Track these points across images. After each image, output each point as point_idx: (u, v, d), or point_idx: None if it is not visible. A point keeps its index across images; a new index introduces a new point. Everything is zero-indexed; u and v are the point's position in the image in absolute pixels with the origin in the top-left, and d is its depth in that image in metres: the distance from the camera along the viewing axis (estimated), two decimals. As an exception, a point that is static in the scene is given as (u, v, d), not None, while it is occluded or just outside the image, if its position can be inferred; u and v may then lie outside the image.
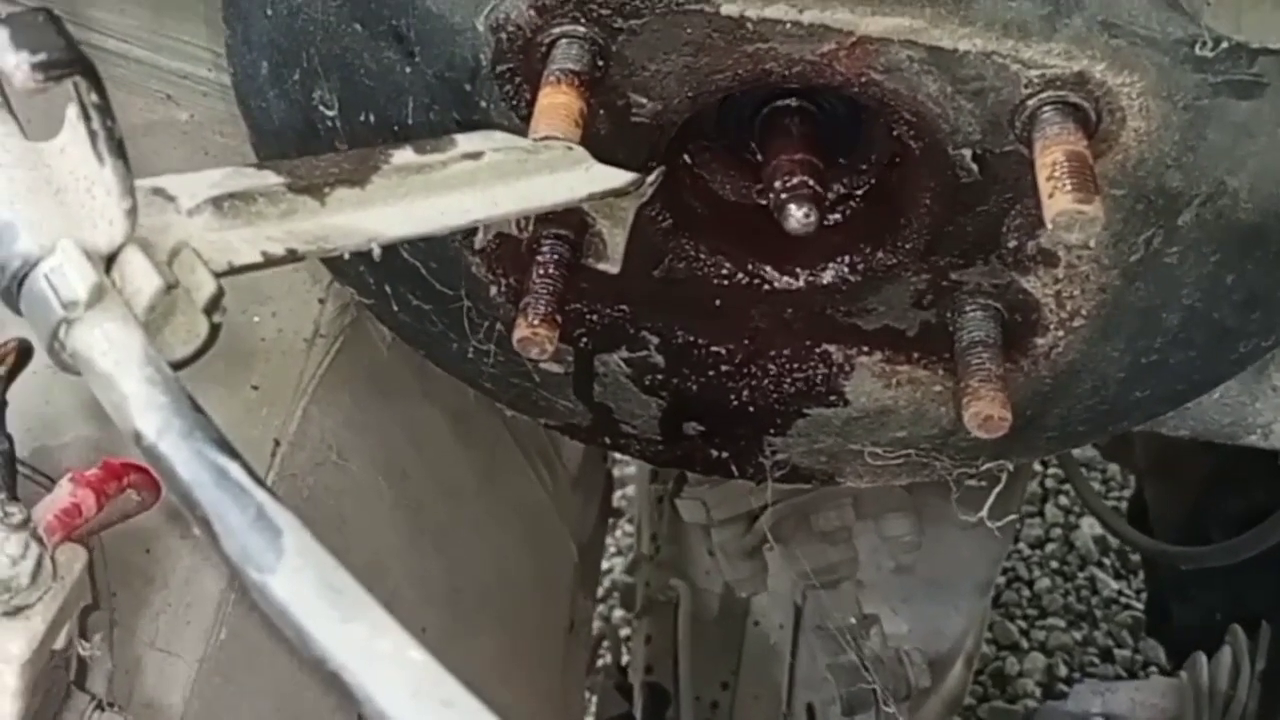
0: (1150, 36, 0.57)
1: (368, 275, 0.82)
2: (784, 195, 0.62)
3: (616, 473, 2.28)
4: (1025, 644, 2.70)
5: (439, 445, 1.08)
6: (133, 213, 0.41)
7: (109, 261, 0.41)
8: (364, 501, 0.96)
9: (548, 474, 1.31)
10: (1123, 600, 2.76)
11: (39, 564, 0.53)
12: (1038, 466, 2.76)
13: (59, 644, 0.57)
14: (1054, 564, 2.86)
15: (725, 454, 0.85)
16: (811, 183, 0.64)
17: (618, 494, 2.24)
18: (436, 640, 1.03)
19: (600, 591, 2.46)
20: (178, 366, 0.42)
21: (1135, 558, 2.83)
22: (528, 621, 1.21)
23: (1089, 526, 2.87)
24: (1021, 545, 2.84)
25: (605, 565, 2.51)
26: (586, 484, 1.42)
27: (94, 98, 0.39)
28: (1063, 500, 2.93)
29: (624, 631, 2.24)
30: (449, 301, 0.79)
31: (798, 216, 0.61)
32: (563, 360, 0.80)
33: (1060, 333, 0.71)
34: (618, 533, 2.63)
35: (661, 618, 1.72)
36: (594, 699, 1.76)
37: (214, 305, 0.42)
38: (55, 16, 0.39)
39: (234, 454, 0.36)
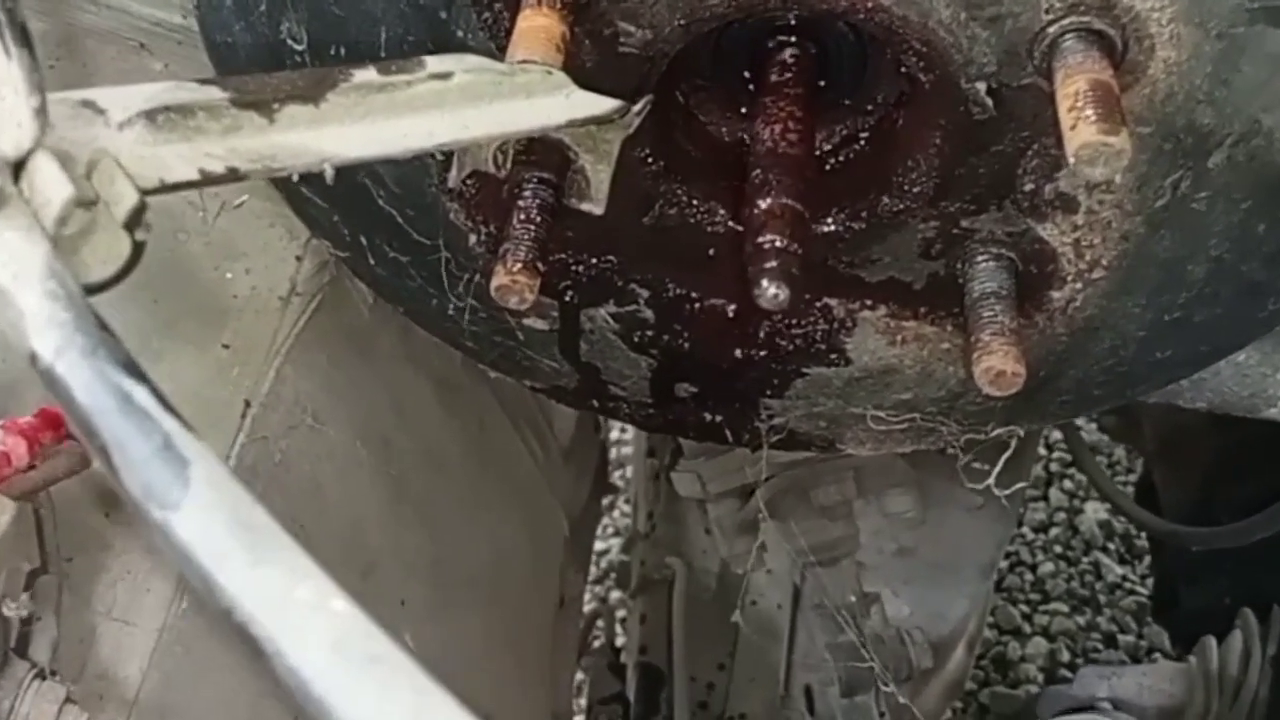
0: (1185, -47, 0.52)
1: (342, 226, 0.77)
2: (756, 264, 0.56)
3: (614, 452, 2.24)
4: (1028, 629, 2.68)
5: (423, 412, 1.04)
6: (42, 112, 0.36)
7: (16, 168, 0.36)
8: (341, 468, 0.92)
9: (538, 445, 1.27)
10: (1127, 585, 2.74)
11: (-40, 517, 0.49)
12: (1042, 450, 2.73)
13: (-12, 607, 0.53)
14: (1058, 548, 2.83)
15: (719, 418, 0.80)
16: (789, 245, 0.57)
17: (615, 474, 2.21)
18: (417, 614, 0.99)
19: (596, 572, 2.43)
20: (100, 288, 0.38)
21: (1140, 543, 2.81)
22: (516, 597, 1.17)
23: (1093, 511, 2.85)
24: (1025, 529, 2.81)
25: (602, 546, 2.47)
26: (579, 456, 1.38)
27: (-11, -27, 0.34)
28: (1067, 484, 2.89)
29: (620, 612, 2.21)
30: (427, 252, 0.75)
31: (767, 296, 0.55)
32: (547, 316, 0.75)
33: (1078, 285, 0.66)
34: (615, 513, 2.59)
35: (656, 597, 1.69)
36: (587, 679, 1.72)
37: (135, 219, 0.37)
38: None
39: (141, 377, 0.31)
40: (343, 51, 0.66)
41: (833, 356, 0.73)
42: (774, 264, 0.55)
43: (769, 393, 0.77)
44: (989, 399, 0.67)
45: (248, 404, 0.85)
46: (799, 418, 0.78)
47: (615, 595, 2.39)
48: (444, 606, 1.01)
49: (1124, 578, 2.72)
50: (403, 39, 0.64)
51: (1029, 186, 0.62)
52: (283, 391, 0.88)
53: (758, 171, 0.60)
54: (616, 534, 2.58)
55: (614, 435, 2.24)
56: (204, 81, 0.47)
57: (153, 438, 0.29)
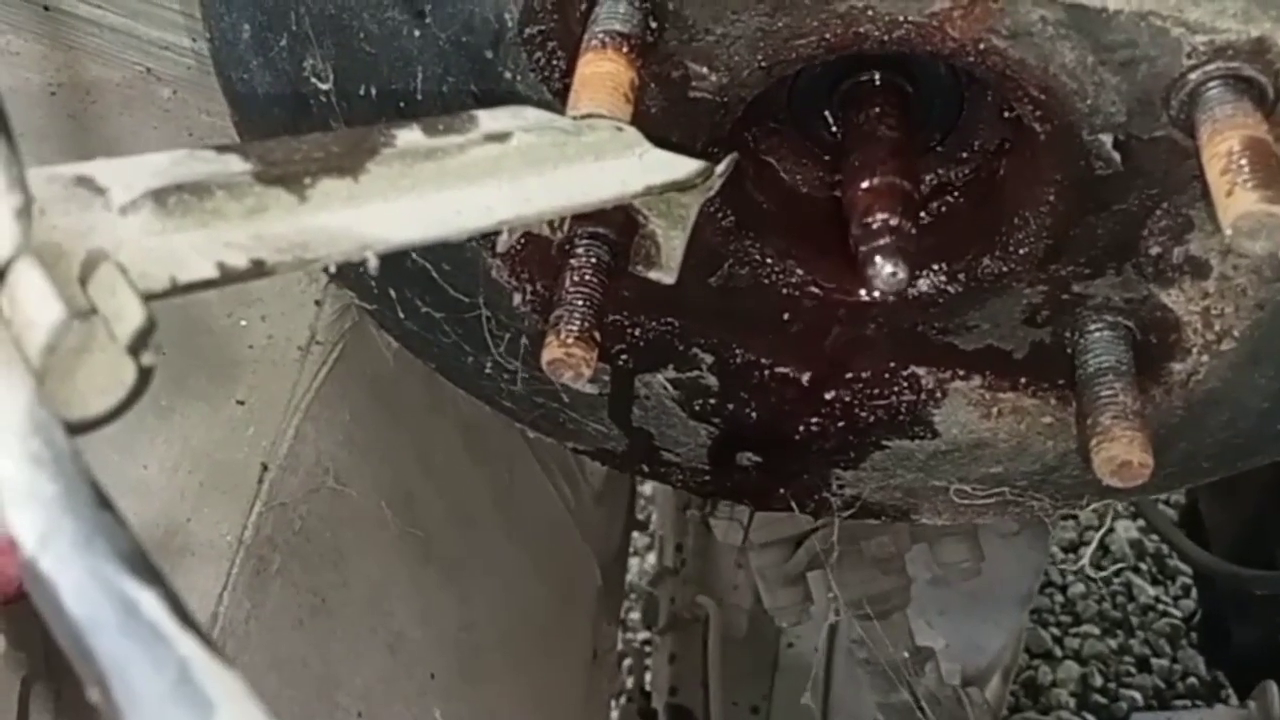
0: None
1: (369, 277, 0.71)
2: (867, 243, 0.50)
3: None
4: (1059, 652, 2.63)
5: (449, 464, 0.98)
6: (25, 214, 0.29)
7: (-7, 281, 0.29)
8: (365, 531, 0.86)
9: (569, 490, 1.20)
10: (1160, 607, 2.68)
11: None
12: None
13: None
14: (1088, 569, 2.77)
15: (783, 489, 0.73)
16: (900, 223, 0.52)
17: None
18: (447, 687, 0.91)
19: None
20: (94, 425, 0.31)
21: (1173, 563, 2.75)
22: (548, 656, 1.11)
23: (1124, 530, 2.79)
24: (1055, 549, 2.75)
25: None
26: (611, 498, 1.31)
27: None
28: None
29: (637, 637, 2.15)
30: (464, 310, 0.68)
31: (883, 275, 0.50)
32: (598, 380, 0.68)
33: (1204, 357, 0.59)
34: (634, 533, 2.53)
35: (687, 635, 1.64)
36: (615, 722, 1.66)
37: (141, 342, 0.30)
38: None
39: (151, 576, 0.24)
40: (374, 93, 0.60)
41: (918, 429, 0.66)
42: (887, 240, 0.50)
43: (842, 464, 0.70)
44: (1088, 472, 0.59)
45: (265, 467, 0.79)
46: (874, 489, 0.71)
47: (634, 617, 2.33)
48: (474, 675, 0.95)
49: (1157, 599, 2.66)
50: (442, 80, 0.57)
51: (1155, 250, 0.55)
52: (302, 452, 0.82)
53: (858, 154, 0.53)
54: (634, 553, 2.52)
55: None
56: (222, 149, 0.39)
57: (166, 668, 0.22)
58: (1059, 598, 2.70)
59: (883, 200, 0.52)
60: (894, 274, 0.48)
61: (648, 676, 1.81)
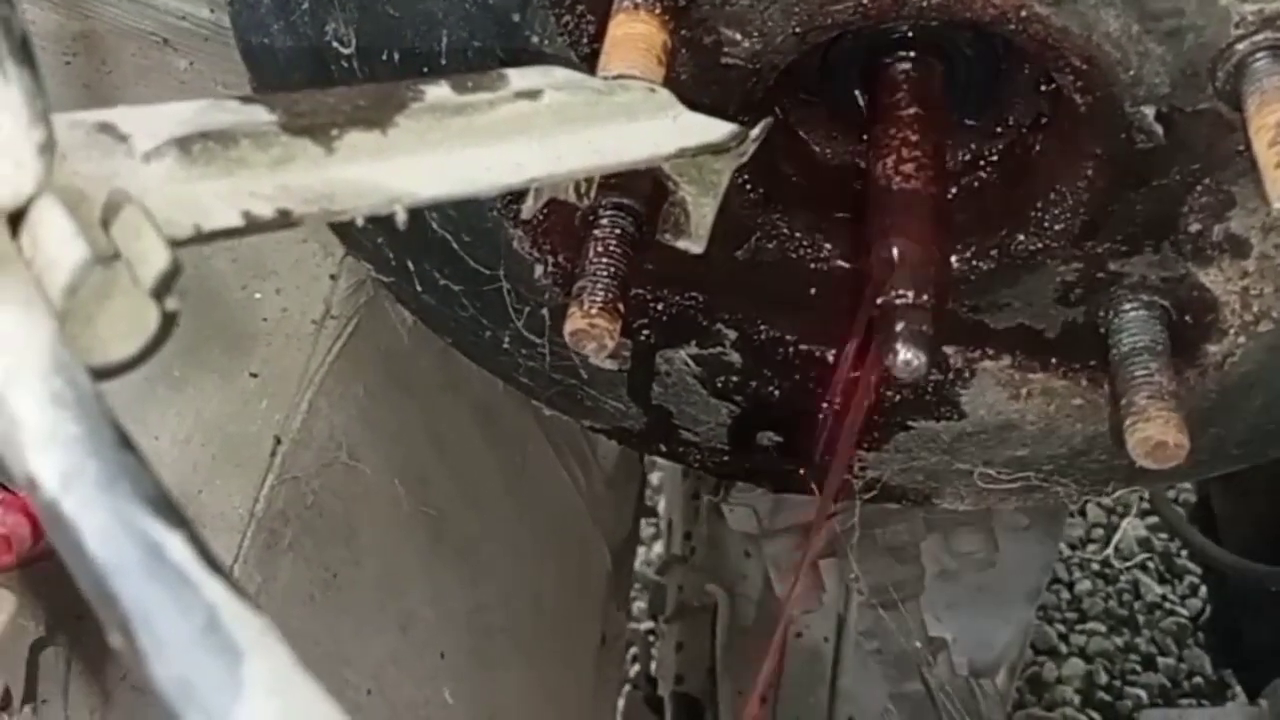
0: None
1: (386, 248, 0.70)
2: (886, 326, 0.48)
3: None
4: (1064, 649, 2.62)
5: (463, 444, 0.97)
6: (48, 150, 0.28)
7: (14, 220, 0.28)
8: (377, 508, 0.85)
9: (581, 472, 1.19)
10: (1167, 605, 2.67)
11: (-52, 619, 0.41)
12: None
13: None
14: (1095, 566, 2.76)
15: (804, 469, 0.72)
16: (919, 298, 0.49)
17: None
18: (457, 667, 0.90)
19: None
20: (117, 370, 0.29)
21: (1180, 561, 2.74)
22: (557, 639, 1.10)
23: (1132, 527, 2.78)
24: (1061, 545, 2.74)
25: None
26: (622, 482, 1.30)
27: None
28: (1105, 499, 2.81)
29: (643, 626, 2.14)
30: (484, 282, 0.67)
31: (899, 363, 0.47)
32: (619, 356, 0.67)
33: (1240, 339, 0.57)
34: (641, 520, 2.52)
35: (694, 624, 1.63)
36: (619, 712, 1.65)
37: (165, 285, 0.29)
38: None
39: (176, 519, 0.23)
40: (397, 58, 0.59)
41: (944, 410, 0.64)
42: (903, 325, 0.47)
43: (865, 445, 0.68)
44: (1115, 457, 0.58)
45: (278, 440, 0.78)
46: (896, 471, 0.70)
47: (639, 607, 2.32)
48: (484, 656, 0.94)
49: (1164, 597, 2.65)
50: (467, 44, 0.56)
51: (1195, 227, 0.54)
52: (315, 426, 0.81)
53: (877, 212, 0.51)
54: (641, 542, 2.51)
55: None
56: (247, 100, 0.38)
57: (193, 614, 0.21)
58: (1065, 594, 2.69)
59: (906, 276, 0.49)
60: (911, 363, 0.46)
61: (653, 665, 1.80)
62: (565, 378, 0.72)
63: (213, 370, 0.79)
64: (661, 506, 2.09)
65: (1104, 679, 2.52)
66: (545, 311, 0.66)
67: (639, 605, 2.35)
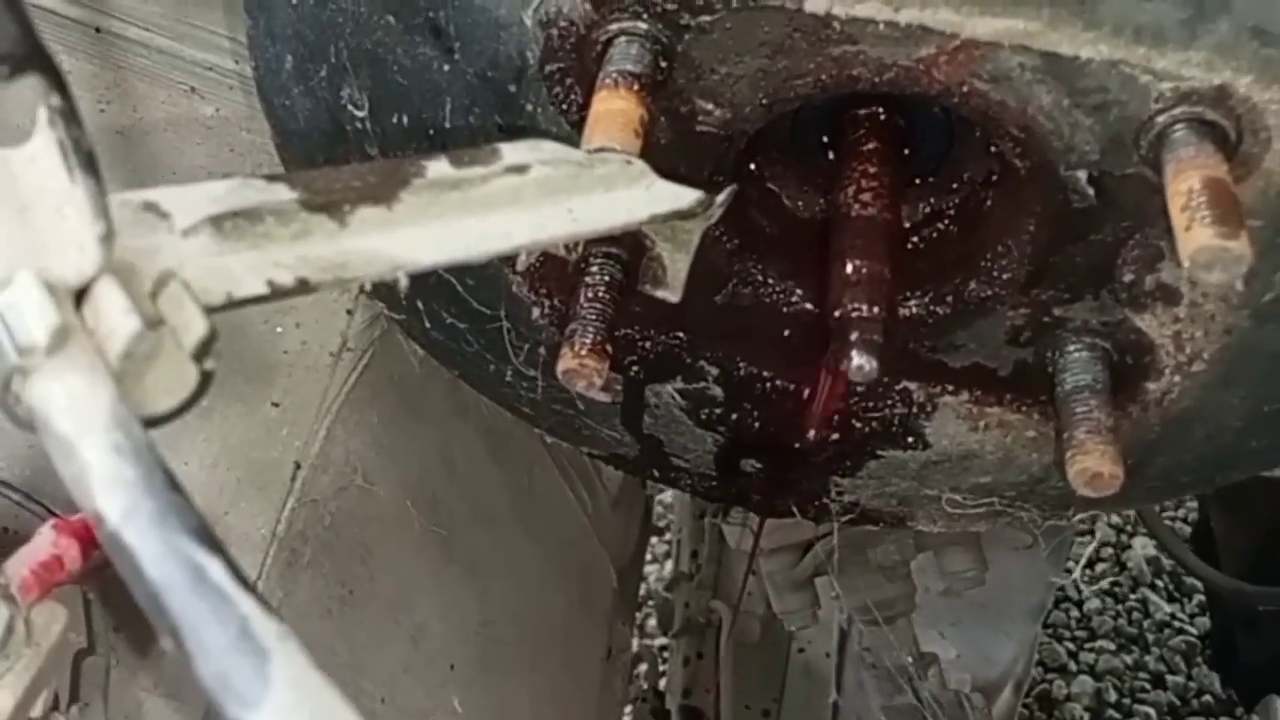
0: (1311, 45, 0.49)
1: (397, 290, 0.75)
2: (841, 335, 0.55)
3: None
4: (1073, 666, 2.63)
5: (472, 466, 1.02)
6: (107, 239, 0.34)
7: (79, 296, 0.34)
8: (391, 528, 0.90)
9: (587, 495, 1.24)
10: (1176, 624, 2.68)
11: (9, 629, 0.47)
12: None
13: (36, 713, 0.51)
14: (1104, 584, 2.77)
15: (786, 494, 0.77)
16: (872, 312, 0.56)
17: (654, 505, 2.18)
18: (466, 678, 0.96)
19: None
20: (158, 421, 0.35)
21: (1190, 580, 2.75)
22: (563, 652, 1.15)
23: (1141, 546, 2.79)
24: (1071, 564, 2.76)
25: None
26: (627, 505, 1.35)
27: (55, 100, 0.32)
28: (1114, 518, 2.83)
29: (654, 643, 2.18)
30: (486, 321, 0.72)
31: (854, 368, 0.55)
32: (611, 390, 0.73)
33: (1176, 378, 0.62)
34: (652, 539, 2.56)
35: (701, 640, 1.67)
36: (628, 722, 1.69)
37: (204, 350, 0.35)
38: (13, 3, 0.32)
39: (216, 547, 0.29)
40: (405, 120, 0.64)
41: (910, 440, 0.70)
42: (857, 335, 0.53)
43: (840, 472, 0.74)
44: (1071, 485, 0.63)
45: (298, 465, 0.83)
46: (870, 496, 0.75)
47: (653, 627, 2.37)
48: (492, 667, 0.99)
49: (1173, 616, 2.67)
50: (468, 110, 0.62)
51: (1128, 277, 0.59)
52: (333, 452, 0.86)
53: (836, 235, 0.57)
54: (653, 560, 2.55)
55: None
56: (271, 179, 0.44)
57: (229, 624, 0.27)
58: (1074, 612, 2.71)
59: (860, 291, 0.56)
60: (862, 368, 0.53)
61: (662, 681, 1.84)
62: (563, 408, 0.77)
63: (238, 400, 0.84)
64: (673, 526, 2.13)
65: (1113, 696, 2.54)
66: (542, 349, 0.71)
67: (651, 623, 2.39)
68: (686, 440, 0.75)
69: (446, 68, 0.60)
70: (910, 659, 1.21)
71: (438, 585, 0.94)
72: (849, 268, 0.57)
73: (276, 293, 0.40)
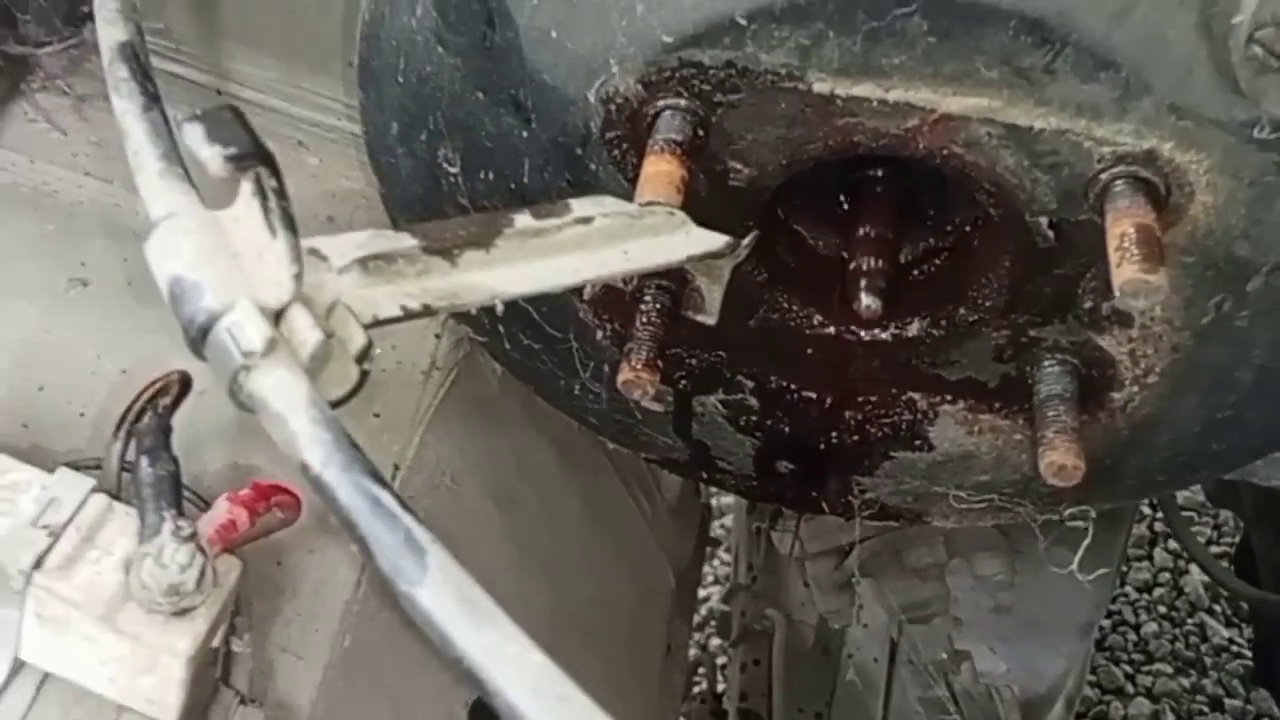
0: (1215, 119, 0.60)
1: (483, 316, 0.88)
2: (854, 281, 0.71)
3: (714, 502, 2.33)
4: (1131, 689, 2.65)
5: (546, 474, 1.13)
6: (299, 277, 0.48)
7: (277, 316, 0.48)
8: (475, 525, 1.01)
9: (647, 503, 1.35)
10: (1234, 649, 2.70)
11: (202, 572, 0.61)
12: (1146, 509, 2.72)
13: (215, 643, 0.65)
14: (1161, 609, 2.79)
15: (815, 491, 0.89)
16: (879, 265, 0.73)
17: (716, 523, 2.28)
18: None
19: (698, 619, 2.50)
20: (335, 405, 0.49)
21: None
22: (625, 644, 1.25)
23: (1199, 572, 2.80)
24: (1128, 589, 2.79)
25: (703, 594, 2.54)
26: (684, 514, 1.46)
27: (274, 183, 0.46)
28: (1172, 544, 2.86)
29: (720, 659, 2.27)
30: (558, 343, 0.84)
31: (863, 306, 0.72)
32: (663, 400, 0.86)
33: (1135, 388, 0.74)
34: (715, 561, 2.66)
35: (757, 646, 1.75)
36: (688, 725, 1.79)
37: (364, 355, 0.49)
38: (240, 113, 0.46)
39: (385, 484, 0.42)
40: (490, 177, 0.76)
41: (917, 442, 0.82)
42: (865, 281, 0.69)
43: (860, 471, 0.86)
44: (1059, 483, 0.74)
45: (396, 467, 0.94)
46: (888, 493, 0.87)
47: (715, 643, 2.47)
48: (562, 652, 1.10)
49: (1230, 640, 2.69)
50: (543, 169, 0.74)
51: (1089, 304, 0.71)
52: (426, 456, 0.96)
53: (854, 223, 0.74)
54: (716, 582, 2.65)
55: (712, 489, 2.31)
56: (400, 230, 0.58)
57: (397, 532, 0.41)
58: (1132, 636, 2.73)
59: (869, 248, 0.69)
60: (869, 306, 0.67)
61: (720, 685, 1.94)
62: (624, 418, 0.90)
63: (345, 412, 0.97)
64: (733, 546, 2.22)
65: (1170, 719, 2.58)
66: (606, 366, 0.84)
67: (713, 641, 2.49)
68: (729, 444, 0.88)
69: (525, 134, 0.72)
70: (944, 655, 1.32)
71: (514, 575, 1.06)
72: (860, 231, 0.73)
73: (408, 315, 0.54)
